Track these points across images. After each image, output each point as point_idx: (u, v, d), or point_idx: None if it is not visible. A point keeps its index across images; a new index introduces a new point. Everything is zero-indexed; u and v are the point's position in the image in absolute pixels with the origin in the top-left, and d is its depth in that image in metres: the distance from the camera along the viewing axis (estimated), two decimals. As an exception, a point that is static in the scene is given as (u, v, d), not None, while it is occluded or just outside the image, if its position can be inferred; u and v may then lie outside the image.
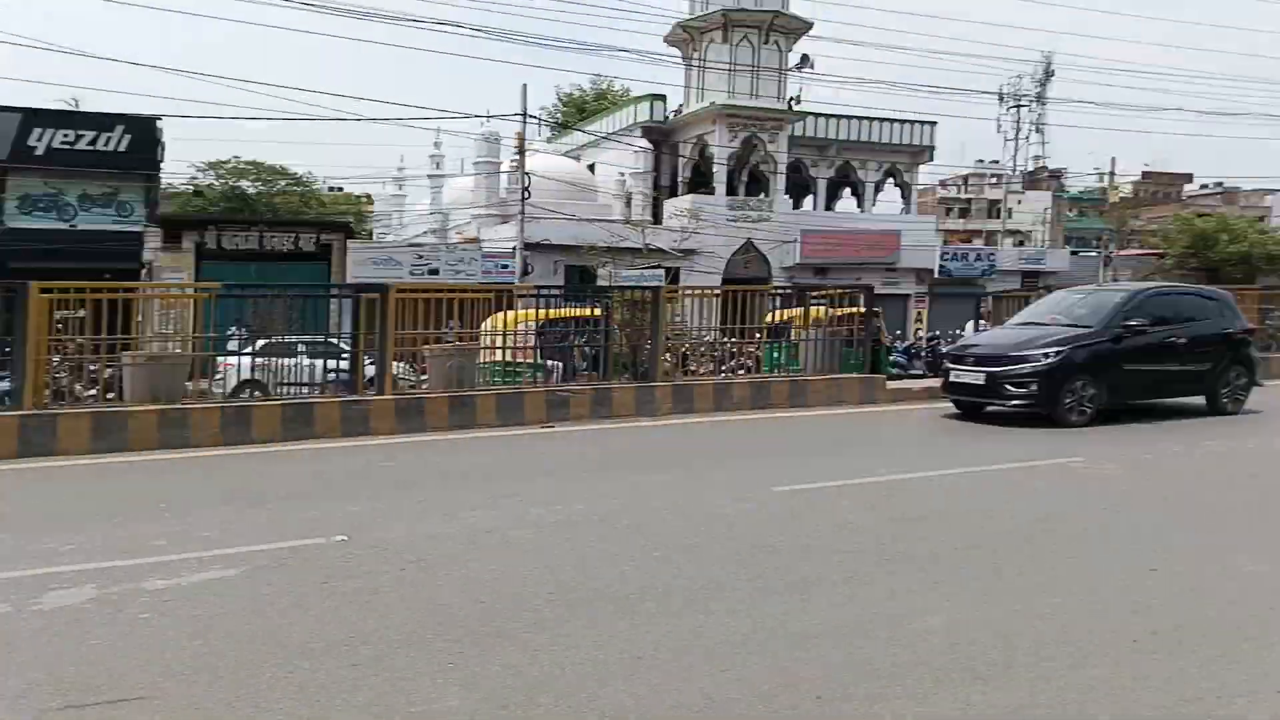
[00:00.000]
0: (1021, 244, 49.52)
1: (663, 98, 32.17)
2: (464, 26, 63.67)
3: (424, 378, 11.14)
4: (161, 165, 23.53)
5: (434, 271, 24.68)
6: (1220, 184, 66.22)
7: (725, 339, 13.49)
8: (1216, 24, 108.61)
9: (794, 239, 29.95)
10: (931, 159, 35.33)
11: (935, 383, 12.85)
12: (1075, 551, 5.47)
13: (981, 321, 17.40)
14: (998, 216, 54.92)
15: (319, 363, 10.65)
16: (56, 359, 9.33)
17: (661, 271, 23.19)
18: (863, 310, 13.66)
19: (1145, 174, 67.99)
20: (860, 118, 33.25)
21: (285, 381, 10.21)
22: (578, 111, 43.27)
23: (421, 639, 4.01)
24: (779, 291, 15.11)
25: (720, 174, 30.11)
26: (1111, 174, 46.13)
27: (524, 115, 25.13)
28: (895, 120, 33.40)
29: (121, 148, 21.75)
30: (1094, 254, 39.72)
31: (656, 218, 30.37)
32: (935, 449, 9.40)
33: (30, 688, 3.49)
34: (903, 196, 35.77)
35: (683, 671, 3.68)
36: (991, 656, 3.83)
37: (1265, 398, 11.99)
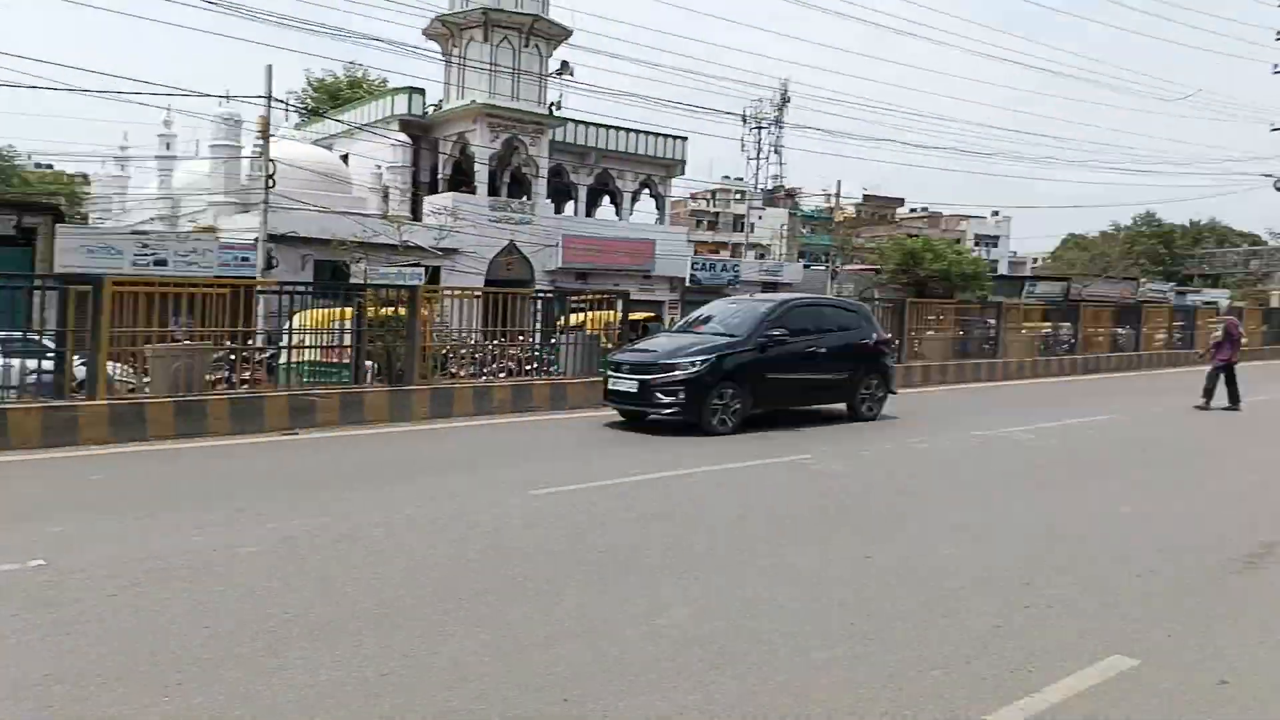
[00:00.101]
0: (762, 256, 53.12)
1: (422, 91, 31.31)
2: (201, -3, 58.18)
3: (147, 380, 10.10)
4: None
5: (161, 263, 22.36)
6: (925, 209, 75.04)
7: (487, 341, 13.38)
8: (930, 70, 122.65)
9: (556, 243, 30.27)
10: (683, 173, 37.17)
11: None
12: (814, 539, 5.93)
13: None
14: (742, 230, 58.61)
15: (16, 363, 9.36)
16: None
17: (422, 270, 22.55)
18: (620, 315, 14.06)
19: (866, 196, 75.52)
20: (618, 128, 34.38)
21: (-29, 384, 8.88)
22: (330, 98, 40.98)
23: (133, 673, 3.62)
24: (542, 295, 15.16)
25: (482, 174, 29.78)
26: (837, 195, 50.77)
27: (269, 97, 23.37)
28: (650, 133, 34.79)
29: None
30: (823, 267, 43.45)
31: (416, 214, 29.48)
32: (684, 450, 9.77)
33: None
34: (658, 207, 37.33)
35: (425, 687, 3.58)
36: (731, 647, 4.06)
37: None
